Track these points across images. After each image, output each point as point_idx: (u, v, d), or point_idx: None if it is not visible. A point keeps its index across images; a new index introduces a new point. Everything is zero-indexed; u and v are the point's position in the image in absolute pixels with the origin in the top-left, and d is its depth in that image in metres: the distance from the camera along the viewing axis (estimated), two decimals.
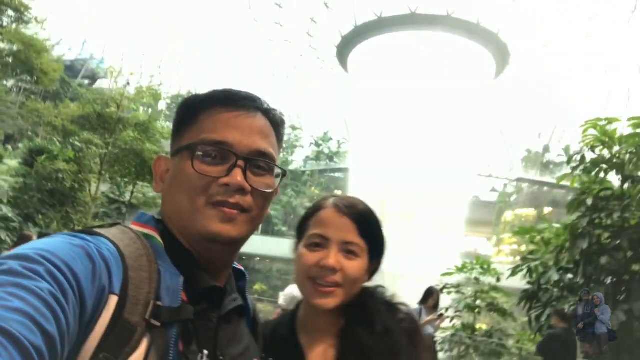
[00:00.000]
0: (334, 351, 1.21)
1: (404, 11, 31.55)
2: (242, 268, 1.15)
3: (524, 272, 12.55)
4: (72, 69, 48.88)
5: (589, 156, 10.98)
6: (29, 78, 18.03)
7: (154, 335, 0.81)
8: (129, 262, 0.83)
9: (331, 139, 55.65)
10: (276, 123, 1.08)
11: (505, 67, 36.92)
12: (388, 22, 32.82)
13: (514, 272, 12.92)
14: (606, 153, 10.69)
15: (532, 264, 12.34)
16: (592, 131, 10.71)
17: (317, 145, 53.49)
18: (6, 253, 0.73)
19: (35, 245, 0.72)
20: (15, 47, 15.49)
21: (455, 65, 34.88)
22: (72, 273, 0.70)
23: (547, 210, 43.87)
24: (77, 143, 17.38)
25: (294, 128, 57.55)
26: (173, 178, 1.00)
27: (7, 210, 15.19)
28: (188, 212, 0.96)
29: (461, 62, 34.70)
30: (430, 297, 8.27)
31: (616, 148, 10.56)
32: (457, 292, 14.21)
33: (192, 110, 1.03)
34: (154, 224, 0.99)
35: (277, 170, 1.06)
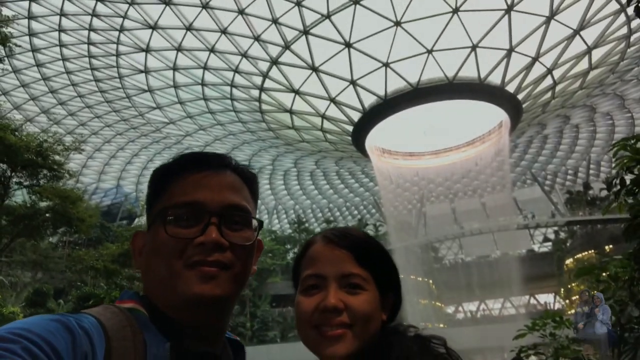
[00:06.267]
0: None
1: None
2: (237, 339, 1.07)
3: None
4: (109, 214, 51.30)
5: (628, 179, 10.52)
6: (71, 230, 18.86)
7: None
8: (111, 333, 0.79)
9: (367, 224, 55.42)
10: (247, 178, 1.06)
11: (520, 119, 36.78)
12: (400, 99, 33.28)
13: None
14: None
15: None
16: (622, 153, 10.34)
17: None
18: None
19: (10, 326, 0.70)
20: (52, 203, 16.47)
21: (475, 125, 34.99)
22: (50, 347, 0.67)
23: (607, 248, 41.41)
24: (122, 282, 17.72)
25: (328, 222, 57.80)
26: (149, 248, 0.97)
27: None
28: (167, 279, 0.91)
29: (480, 120, 34.85)
30: None
31: None
32: (536, 353, 13.09)
33: (162, 180, 1.01)
34: (136, 298, 0.94)
35: (255, 224, 1.01)
